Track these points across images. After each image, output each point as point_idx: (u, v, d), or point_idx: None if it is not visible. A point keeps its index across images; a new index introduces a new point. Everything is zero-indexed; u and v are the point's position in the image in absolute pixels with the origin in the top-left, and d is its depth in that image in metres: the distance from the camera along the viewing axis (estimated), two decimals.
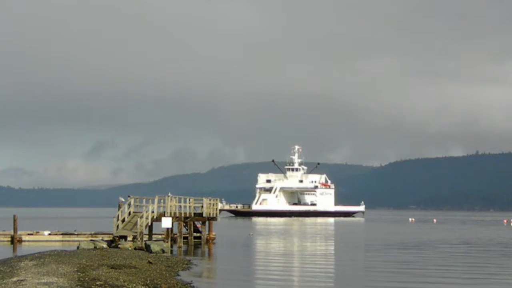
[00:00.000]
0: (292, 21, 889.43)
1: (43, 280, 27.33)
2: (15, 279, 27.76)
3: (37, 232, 64.05)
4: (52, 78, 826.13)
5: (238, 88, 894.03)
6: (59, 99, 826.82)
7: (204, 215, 61.02)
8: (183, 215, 58.33)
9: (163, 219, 54.33)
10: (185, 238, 59.36)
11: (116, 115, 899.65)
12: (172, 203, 56.66)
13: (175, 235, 57.56)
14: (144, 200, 57.32)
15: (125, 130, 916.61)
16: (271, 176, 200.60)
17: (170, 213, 55.89)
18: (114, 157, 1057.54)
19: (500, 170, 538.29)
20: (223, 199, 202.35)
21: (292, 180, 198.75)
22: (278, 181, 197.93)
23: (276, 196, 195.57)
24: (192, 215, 60.04)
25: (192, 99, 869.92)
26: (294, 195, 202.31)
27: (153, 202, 55.36)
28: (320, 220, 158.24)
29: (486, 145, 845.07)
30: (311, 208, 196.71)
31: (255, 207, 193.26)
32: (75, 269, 31.73)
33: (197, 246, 58.99)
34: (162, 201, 56.46)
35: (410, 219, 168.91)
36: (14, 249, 54.13)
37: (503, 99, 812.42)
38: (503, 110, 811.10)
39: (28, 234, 62.82)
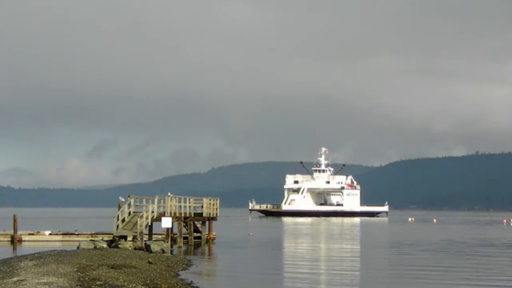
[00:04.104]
0: (292, 21, 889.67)
1: (43, 280, 27.34)
2: (15, 279, 27.77)
3: (37, 232, 64.11)
4: (53, 78, 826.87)
5: (239, 88, 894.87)
6: (60, 99, 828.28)
7: (204, 215, 61.04)
8: (183, 215, 58.34)
9: (163, 219, 54.32)
10: (185, 238, 59.36)
11: (117, 115, 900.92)
12: (172, 203, 56.66)
13: (175, 235, 57.55)
14: (144, 200, 57.27)
15: (126, 130, 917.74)
16: (298, 177, 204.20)
17: (170, 213, 55.90)
18: (115, 157, 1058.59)
19: (500, 170, 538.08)
20: (253, 199, 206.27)
21: (319, 181, 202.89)
22: (306, 182, 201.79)
23: (304, 197, 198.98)
24: (192, 215, 60.06)
25: (192, 99, 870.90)
26: (321, 196, 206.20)
27: (153, 202, 55.35)
28: (346, 220, 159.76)
29: (487, 145, 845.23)
30: (338, 209, 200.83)
31: (284, 207, 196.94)
32: (75, 269, 31.74)
33: (197, 246, 59.00)
34: (162, 201, 56.42)
35: (409, 219, 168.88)
36: (14, 249, 54.16)
37: (503, 99, 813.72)
38: (503, 110, 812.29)
39: (29, 234, 62.90)
